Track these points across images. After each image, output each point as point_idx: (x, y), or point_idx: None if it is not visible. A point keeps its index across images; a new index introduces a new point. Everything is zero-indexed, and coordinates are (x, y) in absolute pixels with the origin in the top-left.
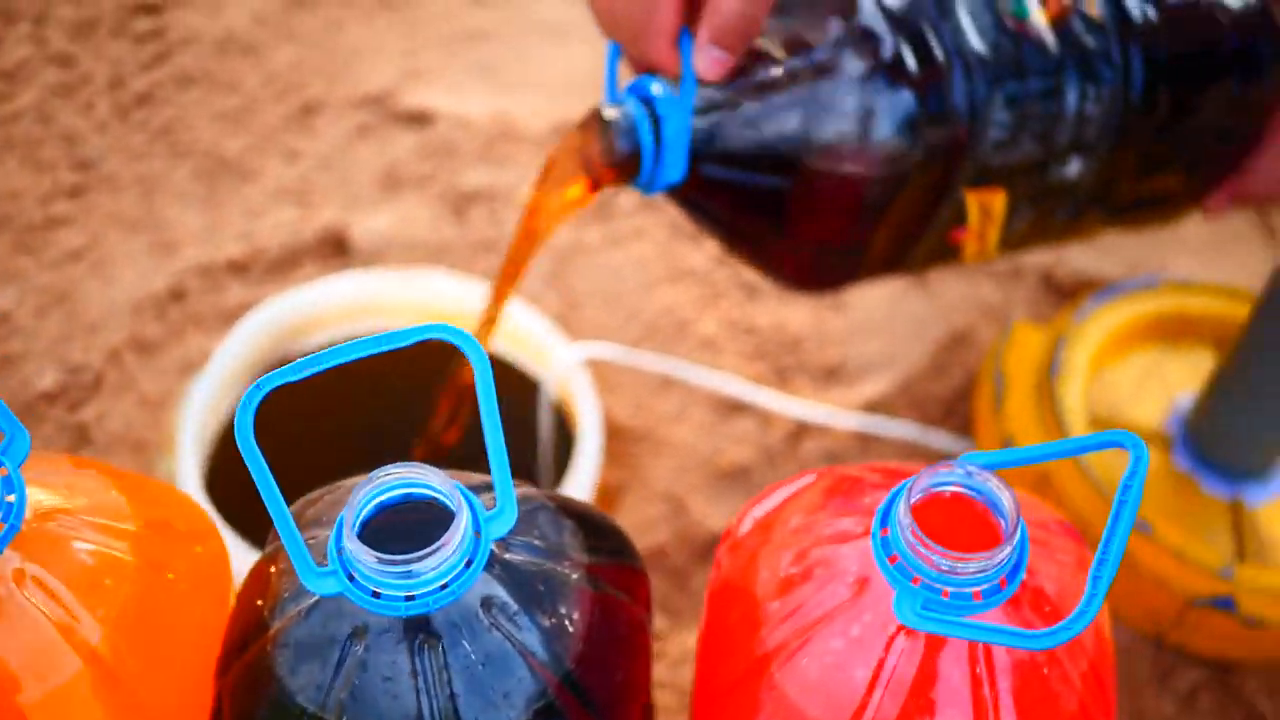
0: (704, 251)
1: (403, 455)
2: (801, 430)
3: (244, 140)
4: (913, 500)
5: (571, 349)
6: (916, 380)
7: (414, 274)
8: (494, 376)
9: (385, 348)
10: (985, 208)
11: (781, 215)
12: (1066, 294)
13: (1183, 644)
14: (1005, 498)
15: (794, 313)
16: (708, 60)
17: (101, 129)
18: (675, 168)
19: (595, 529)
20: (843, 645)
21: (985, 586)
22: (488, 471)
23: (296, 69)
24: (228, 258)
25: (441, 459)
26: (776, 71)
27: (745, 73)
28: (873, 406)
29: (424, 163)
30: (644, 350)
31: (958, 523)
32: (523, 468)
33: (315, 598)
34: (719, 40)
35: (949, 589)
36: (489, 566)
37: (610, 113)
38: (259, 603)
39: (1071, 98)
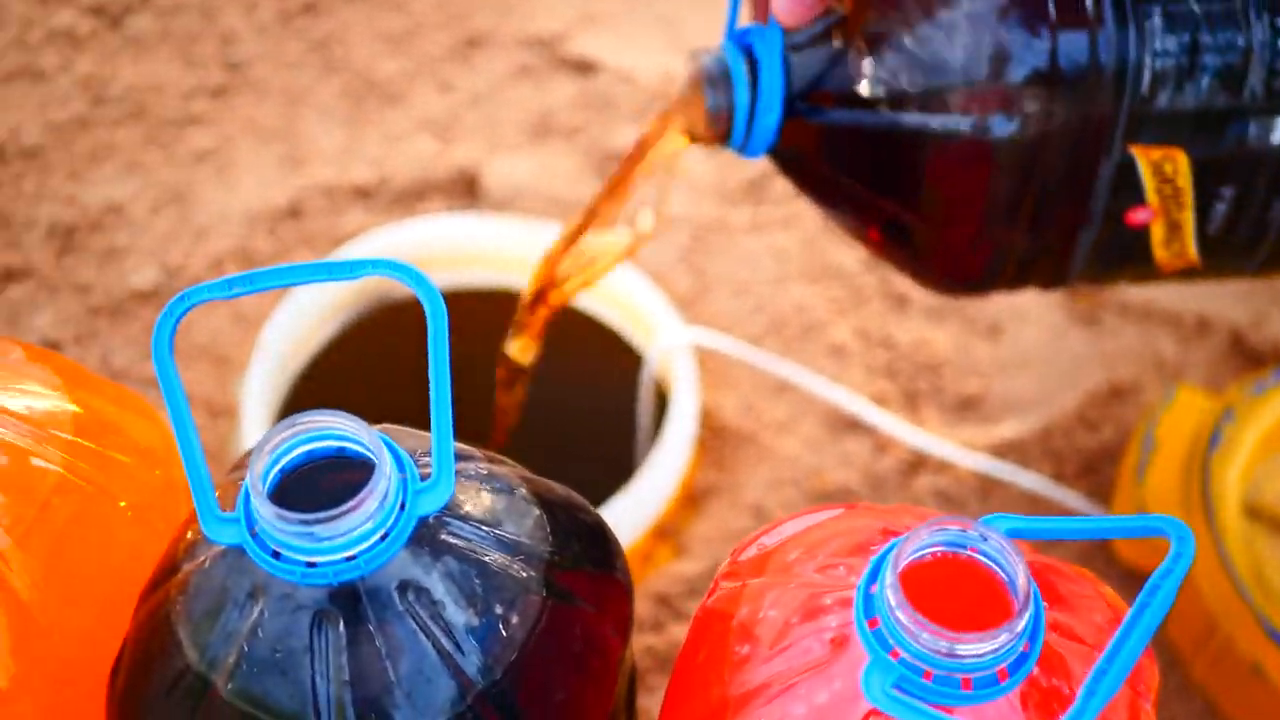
0: (855, 253)
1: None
2: (919, 462)
3: (399, 64)
4: (910, 558)
5: (680, 330)
6: (1060, 429)
7: (539, 225)
8: (590, 342)
9: (330, 278)
10: (1163, 173)
11: (898, 180)
12: (1256, 362)
13: None
14: (1019, 571)
15: (940, 333)
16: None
17: (260, 33)
18: (769, 120)
19: (574, 526)
20: (805, 713)
21: (979, 675)
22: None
23: None
24: (354, 181)
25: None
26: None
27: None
28: (1005, 450)
29: (578, 113)
30: (762, 348)
31: (969, 595)
32: (618, 448)
33: (222, 546)
34: None
35: (933, 670)
36: (414, 545)
37: (705, 59)
38: (182, 539)
39: (1260, 28)
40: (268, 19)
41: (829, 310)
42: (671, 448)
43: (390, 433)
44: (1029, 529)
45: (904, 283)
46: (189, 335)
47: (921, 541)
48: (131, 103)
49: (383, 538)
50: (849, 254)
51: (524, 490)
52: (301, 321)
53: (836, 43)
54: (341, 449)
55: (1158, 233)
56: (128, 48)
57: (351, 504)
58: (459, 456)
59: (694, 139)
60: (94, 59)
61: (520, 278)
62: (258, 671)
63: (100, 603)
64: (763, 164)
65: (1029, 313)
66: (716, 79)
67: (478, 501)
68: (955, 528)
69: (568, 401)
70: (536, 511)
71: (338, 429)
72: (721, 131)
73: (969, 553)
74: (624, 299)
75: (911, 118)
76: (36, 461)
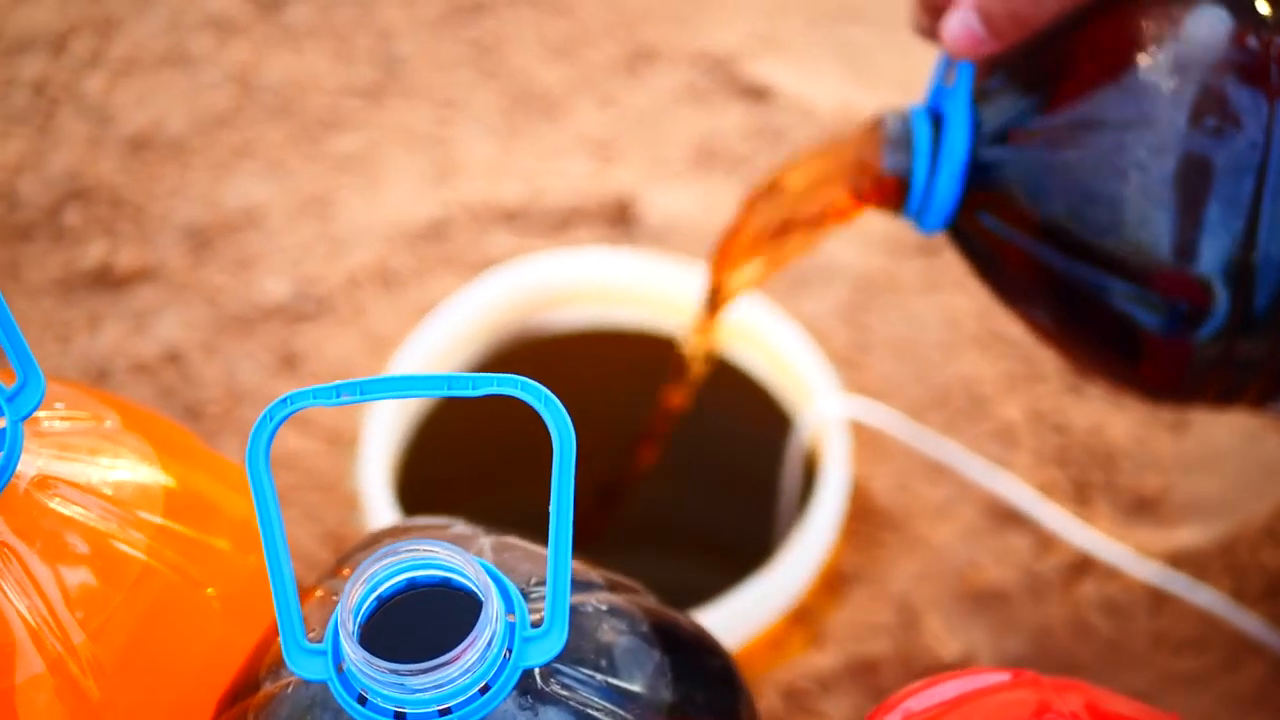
0: None
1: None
2: (1085, 565)
3: (561, 73)
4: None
5: (835, 400)
6: (1245, 542)
7: (694, 268)
8: (743, 399)
9: (449, 393)
10: None
11: (1081, 311)
12: None
13: None
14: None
15: (1120, 420)
16: (957, 24)
17: (419, 30)
18: (947, 195)
19: (700, 672)
20: None
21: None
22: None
23: (642, 5)
24: (502, 200)
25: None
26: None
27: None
28: (1182, 559)
29: (746, 142)
30: (924, 424)
31: None
32: (759, 516)
33: None
34: (980, 5)
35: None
36: (519, 698)
37: (892, 118)
38: (268, 648)
39: None
40: (429, 15)
41: (999, 385)
42: (816, 529)
43: (505, 552)
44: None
45: None
46: (321, 356)
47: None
48: (280, 98)
49: (483, 690)
50: None
51: (647, 628)
52: (435, 350)
53: (1049, 133)
54: (447, 578)
55: None
56: (282, 38)
57: (450, 655)
58: (578, 586)
59: (860, 200)
60: (247, 48)
61: (668, 319)
62: None
63: (178, 700)
64: None
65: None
66: (897, 138)
67: (594, 644)
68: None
69: (712, 458)
70: (659, 655)
71: (441, 560)
72: (892, 196)
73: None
74: (779, 354)
75: (1104, 280)
76: (120, 546)
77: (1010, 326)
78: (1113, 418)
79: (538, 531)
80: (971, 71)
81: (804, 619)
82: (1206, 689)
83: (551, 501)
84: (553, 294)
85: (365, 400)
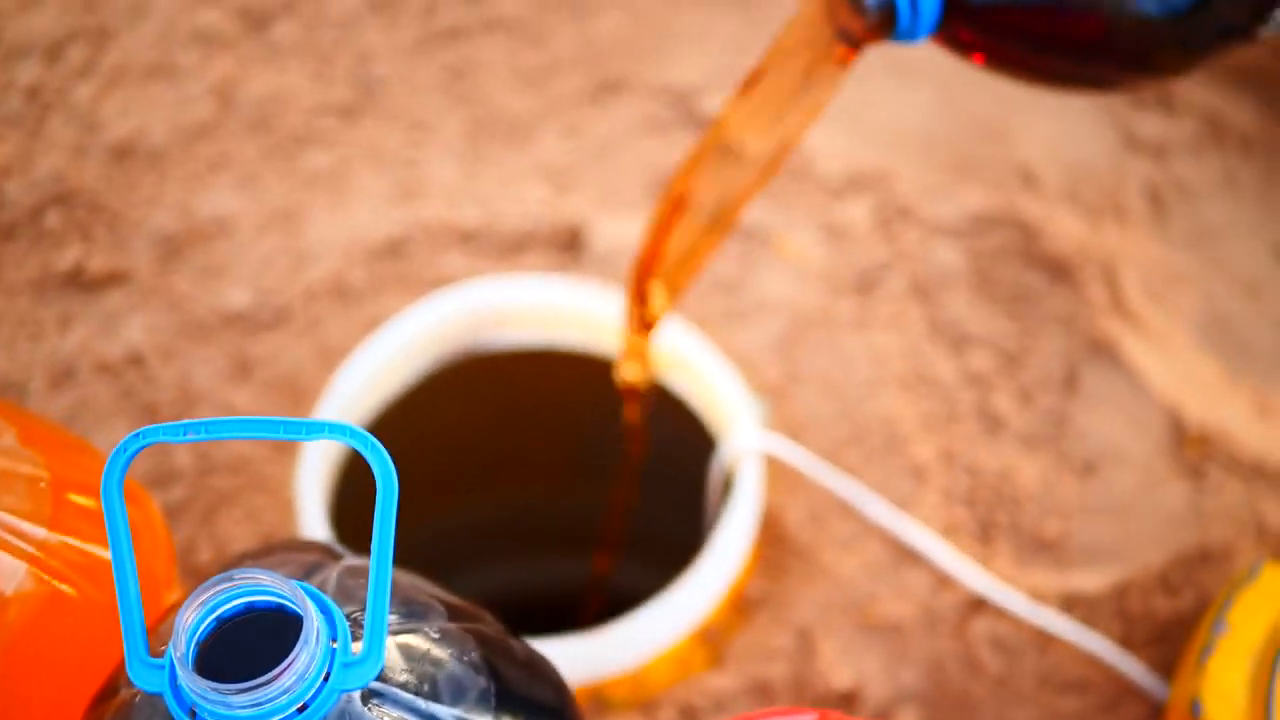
0: (958, 364)
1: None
2: (980, 605)
3: (529, 102)
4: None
5: (751, 434)
6: (1138, 588)
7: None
8: (679, 419)
9: (286, 437)
10: None
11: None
12: None
13: None
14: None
15: (1030, 463)
16: None
17: (396, 53)
18: (931, 3)
19: (526, 698)
20: None
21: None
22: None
23: (613, 38)
24: (460, 222)
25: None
26: None
27: None
28: (1074, 602)
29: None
30: (842, 458)
31: None
32: (685, 534)
33: None
34: None
35: None
36: (338, 719)
37: None
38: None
39: None
40: (406, 39)
41: (918, 424)
42: (720, 557)
43: (352, 579)
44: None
45: (1002, 403)
46: (274, 364)
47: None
48: (259, 113)
49: (300, 710)
50: (952, 365)
51: (477, 656)
52: (379, 363)
53: None
54: (281, 604)
55: None
56: (267, 54)
57: (268, 677)
58: (414, 614)
59: (855, 44)
60: (229, 64)
61: (605, 342)
62: None
63: (61, 703)
64: (879, 255)
65: (1130, 455)
66: None
67: (421, 669)
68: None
69: (655, 466)
70: (484, 682)
71: (267, 586)
72: (880, 26)
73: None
74: (708, 384)
75: None
76: (4, 556)
77: (935, 367)
78: (1023, 461)
79: (490, 534)
80: None
81: (710, 638)
82: None
83: (374, 532)
84: (498, 315)
85: (211, 438)
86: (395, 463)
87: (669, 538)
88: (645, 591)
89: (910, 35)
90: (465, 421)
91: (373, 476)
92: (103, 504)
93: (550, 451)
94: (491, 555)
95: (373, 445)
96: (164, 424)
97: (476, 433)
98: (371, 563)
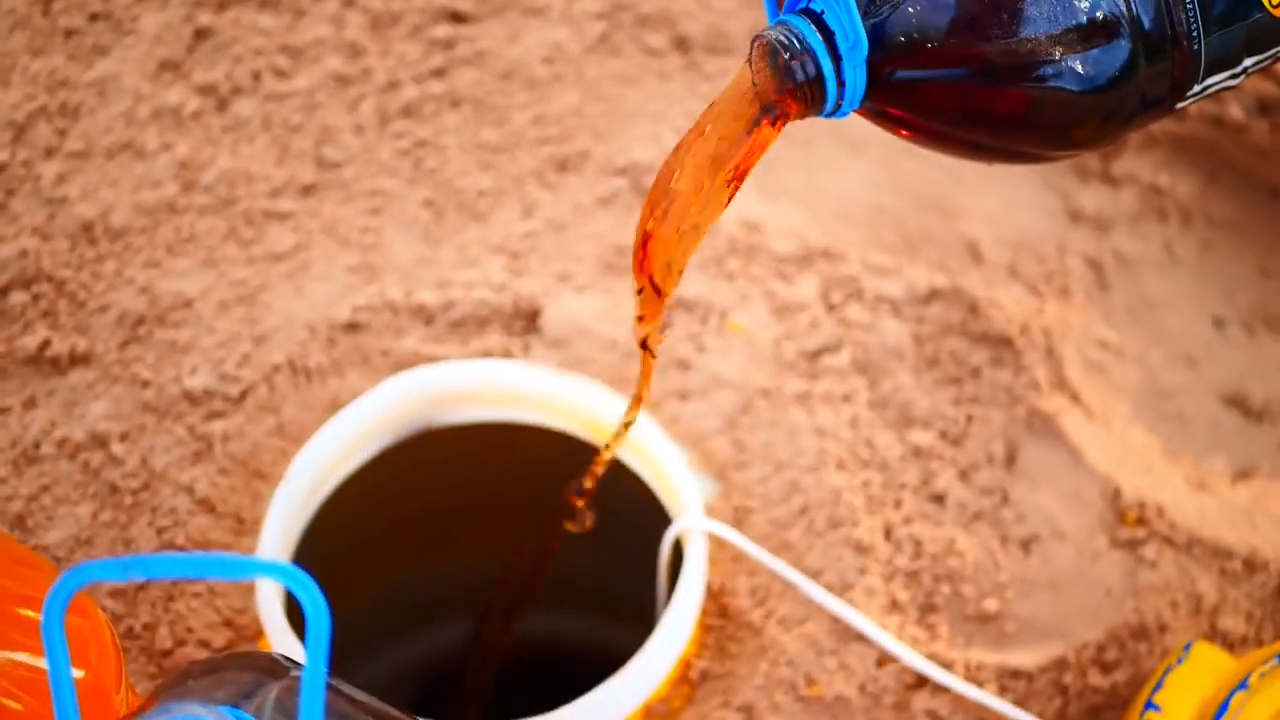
0: (902, 441)
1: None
2: (920, 682)
3: (489, 180)
4: None
5: (696, 519)
6: (1074, 665)
7: (574, 381)
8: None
9: (224, 576)
10: None
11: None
12: None
13: None
14: None
15: (971, 540)
16: None
17: (358, 131)
18: (858, 79)
19: None
20: None
21: None
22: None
23: (571, 115)
24: (420, 301)
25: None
26: None
27: None
28: (1012, 678)
29: None
30: (788, 535)
31: None
32: (639, 608)
33: None
34: None
35: None
36: None
37: (773, 34)
38: None
39: None
40: (367, 117)
41: (862, 502)
42: (666, 639)
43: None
44: None
45: (944, 480)
46: (235, 443)
47: None
48: (222, 191)
49: None
50: (899, 444)
51: None
52: (338, 444)
53: None
54: None
55: None
56: (229, 132)
57: None
58: None
59: (781, 117)
60: (194, 141)
61: (563, 422)
62: None
63: None
64: (826, 332)
65: (1068, 530)
66: (795, 49)
67: None
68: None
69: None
70: None
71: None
72: (808, 102)
73: None
74: (657, 464)
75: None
76: None
77: (881, 448)
78: (965, 537)
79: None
80: None
81: (655, 714)
82: None
83: (305, 671)
84: (454, 396)
85: (150, 577)
86: (353, 530)
87: (627, 595)
88: (606, 644)
89: (837, 109)
90: (422, 489)
91: (327, 554)
92: (44, 638)
93: (505, 516)
94: (448, 613)
95: (304, 584)
96: (104, 561)
97: (433, 499)
98: (303, 693)
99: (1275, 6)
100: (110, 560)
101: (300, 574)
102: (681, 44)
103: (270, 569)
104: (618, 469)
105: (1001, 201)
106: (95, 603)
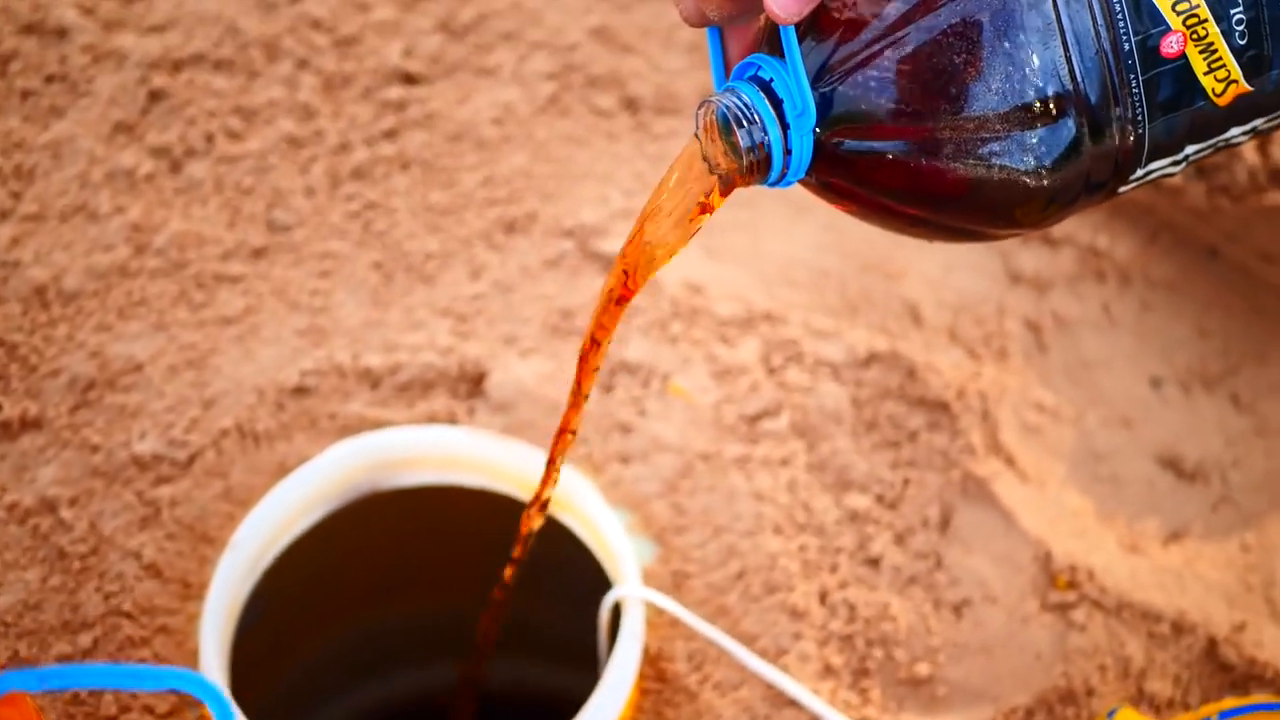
0: (841, 508)
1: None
2: None
3: (436, 242)
4: None
5: (633, 587)
6: None
7: (517, 447)
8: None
9: (135, 686)
10: None
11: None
12: (1226, 672)
13: None
14: None
15: (904, 605)
16: None
17: (308, 194)
18: (804, 148)
19: None
20: None
21: None
22: None
23: (520, 178)
24: (367, 365)
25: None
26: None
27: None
28: None
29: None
30: (724, 599)
31: None
32: (591, 657)
33: None
34: None
35: None
36: None
37: (720, 101)
38: None
39: None
40: (318, 179)
41: (798, 567)
42: (601, 704)
43: None
44: None
45: (879, 544)
46: (182, 508)
47: None
48: (173, 254)
49: None
50: (836, 509)
51: None
52: (284, 509)
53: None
54: None
55: (1196, 60)
56: (182, 195)
57: None
58: None
59: (728, 191)
60: (146, 204)
61: (506, 486)
62: None
63: None
64: (766, 396)
65: (999, 594)
66: (742, 117)
67: None
68: None
69: (556, 605)
70: None
71: None
72: (754, 172)
73: None
74: (598, 531)
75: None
76: None
77: (817, 513)
78: (898, 602)
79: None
80: (790, 33)
81: None
82: None
83: None
84: (399, 460)
85: (66, 687)
86: (301, 590)
87: (578, 645)
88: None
89: (782, 178)
90: (369, 550)
91: (276, 614)
92: None
93: (450, 575)
94: (397, 665)
95: (215, 696)
96: (25, 671)
97: (380, 559)
98: None
99: (1218, 95)
100: (30, 671)
101: (207, 684)
102: (630, 104)
103: (181, 679)
104: (561, 532)
105: (943, 263)
106: (24, 695)
